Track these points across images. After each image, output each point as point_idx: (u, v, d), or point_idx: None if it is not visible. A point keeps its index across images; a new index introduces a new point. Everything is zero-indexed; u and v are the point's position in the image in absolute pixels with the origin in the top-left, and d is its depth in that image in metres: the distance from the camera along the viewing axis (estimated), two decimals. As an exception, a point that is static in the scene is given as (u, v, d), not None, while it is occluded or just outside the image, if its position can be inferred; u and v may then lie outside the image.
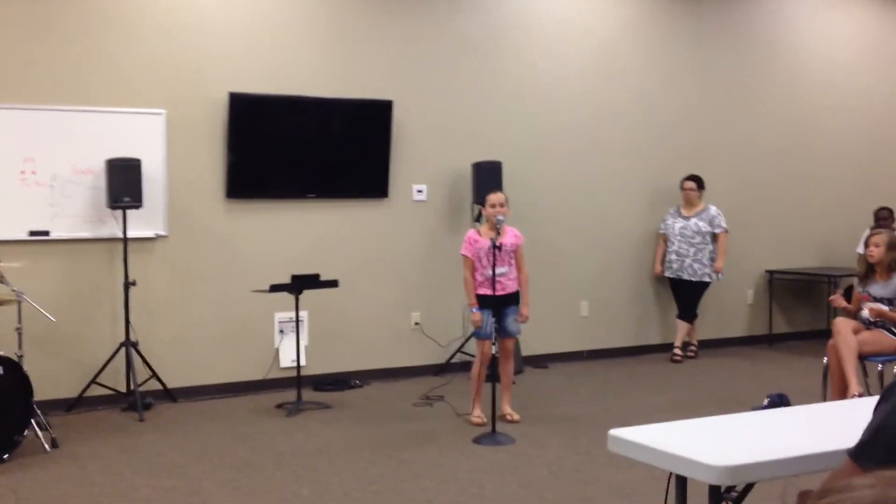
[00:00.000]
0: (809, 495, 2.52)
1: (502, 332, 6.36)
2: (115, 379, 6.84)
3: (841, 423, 3.20)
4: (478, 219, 7.41)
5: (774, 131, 9.57)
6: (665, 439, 2.88)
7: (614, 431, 2.99)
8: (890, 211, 9.25)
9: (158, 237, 7.05)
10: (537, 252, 8.23)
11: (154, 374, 6.89)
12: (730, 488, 3.06)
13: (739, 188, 9.36)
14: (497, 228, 6.17)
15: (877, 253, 6.38)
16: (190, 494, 4.94)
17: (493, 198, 6.30)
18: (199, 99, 7.12)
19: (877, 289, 6.42)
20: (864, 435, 2.29)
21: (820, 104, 9.81)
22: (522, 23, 8.29)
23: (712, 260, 8.68)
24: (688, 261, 8.63)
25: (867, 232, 9.19)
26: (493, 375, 6.23)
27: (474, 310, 6.25)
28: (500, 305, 6.28)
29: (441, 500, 4.81)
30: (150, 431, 6.23)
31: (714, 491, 2.83)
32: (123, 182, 6.59)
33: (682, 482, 2.98)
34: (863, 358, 6.28)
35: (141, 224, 6.88)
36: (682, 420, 3.17)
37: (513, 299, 6.36)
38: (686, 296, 8.78)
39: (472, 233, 6.41)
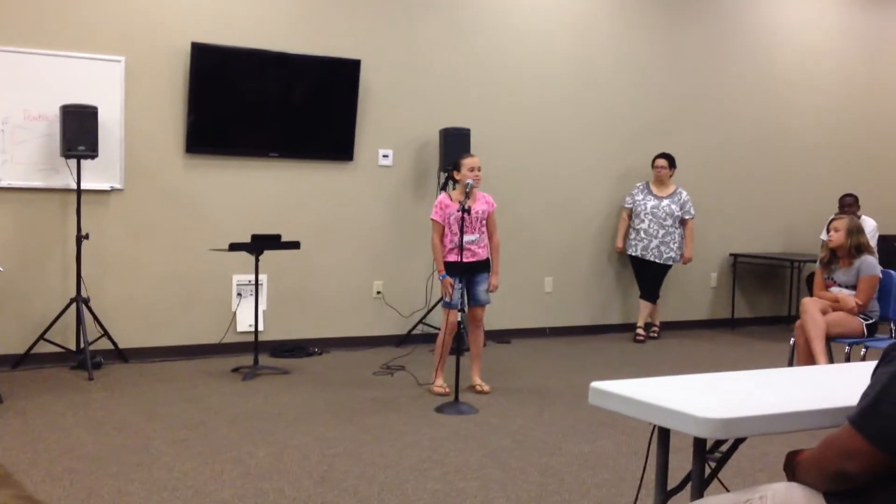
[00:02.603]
0: (801, 456, 2.39)
1: (472, 300, 6.20)
2: (65, 336, 6.59)
3: (827, 383, 3.09)
4: (443, 187, 7.22)
5: (744, 114, 9.49)
6: (649, 392, 2.74)
7: (596, 384, 2.84)
8: (855, 198, 9.21)
9: (114, 190, 6.77)
10: (503, 225, 8.00)
11: (105, 333, 6.63)
12: (713, 448, 2.94)
13: (707, 170, 9.28)
14: (467, 192, 6.00)
15: (836, 238, 6.32)
16: (139, 452, 4.73)
17: (471, 161, 6.11)
18: (161, 48, 6.85)
19: (840, 275, 6.36)
20: (863, 401, 2.21)
21: (790, 89, 9.75)
22: (497, -10, 8.13)
23: (678, 245, 8.58)
24: (655, 242, 8.52)
25: (831, 218, 9.17)
26: (457, 346, 6.06)
27: (442, 276, 6.08)
28: (469, 273, 6.12)
29: (402, 466, 4.64)
30: (99, 390, 5.99)
31: (699, 447, 2.69)
32: (79, 130, 6.29)
33: (664, 437, 2.85)
34: (830, 339, 6.21)
35: (96, 176, 6.60)
36: (666, 376, 3.04)
37: (483, 267, 6.18)
38: (649, 277, 8.69)
39: (443, 197, 6.21)
